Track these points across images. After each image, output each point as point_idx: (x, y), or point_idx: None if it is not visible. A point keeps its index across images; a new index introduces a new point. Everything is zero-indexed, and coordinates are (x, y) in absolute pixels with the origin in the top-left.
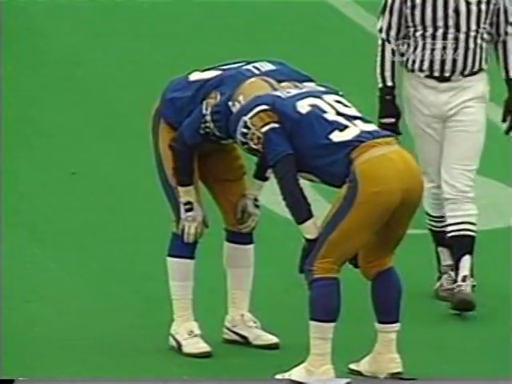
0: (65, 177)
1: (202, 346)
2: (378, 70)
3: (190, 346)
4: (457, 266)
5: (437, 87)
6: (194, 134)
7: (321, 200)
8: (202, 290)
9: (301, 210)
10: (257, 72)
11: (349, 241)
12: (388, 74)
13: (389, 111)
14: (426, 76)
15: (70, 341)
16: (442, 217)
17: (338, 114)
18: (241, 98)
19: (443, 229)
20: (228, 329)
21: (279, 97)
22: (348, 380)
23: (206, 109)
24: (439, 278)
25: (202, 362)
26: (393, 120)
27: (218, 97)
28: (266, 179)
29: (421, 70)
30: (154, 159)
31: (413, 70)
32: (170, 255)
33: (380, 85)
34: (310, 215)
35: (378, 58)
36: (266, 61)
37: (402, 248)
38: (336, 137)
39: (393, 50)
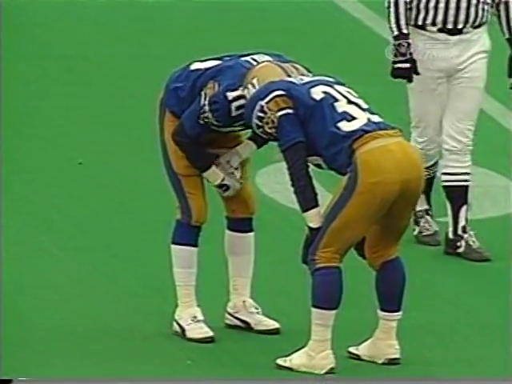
0: (71, 166)
1: (205, 331)
2: (393, 20)
3: (193, 331)
4: (456, 216)
5: (448, 41)
6: (194, 125)
7: (321, 189)
8: (205, 276)
9: (307, 198)
10: (255, 63)
11: (349, 230)
12: (403, 22)
13: (406, 56)
14: (439, 30)
15: (76, 326)
16: (427, 168)
17: (350, 102)
18: (254, 80)
19: (427, 176)
20: (230, 314)
21: (293, 83)
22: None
23: (205, 99)
24: (416, 223)
25: (205, 347)
26: (408, 65)
27: (216, 87)
28: (259, 146)
29: (434, 23)
30: (159, 147)
31: (424, 26)
32: (173, 243)
33: (396, 33)
34: (315, 204)
35: (392, 9)
36: (263, 53)
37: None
38: (344, 126)
39: (405, 2)
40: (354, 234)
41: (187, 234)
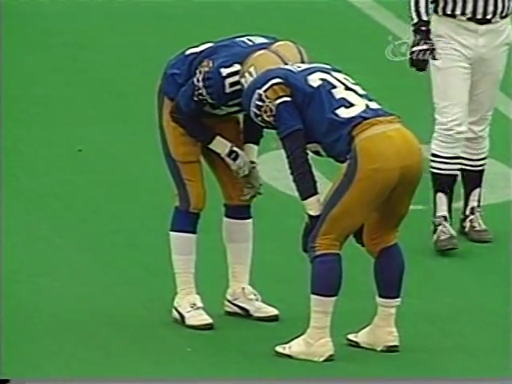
0: (71, 154)
1: (204, 319)
2: (413, 7)
3: (192, 319)
4: (467, 197)
5: (477, 30)
6: (189, 102)
7: (320, 176)
8: (204, 263)
9: (306, 186)
10: (250, 43)
11: (349, 217)
12: (423, 10)
13: (424, 38)
14: (468, 19)
15: (76, 313)
16: (452, 158)
17: (347, 89)
18: (252, 69)
19: (449, 172)
20: (229, 301)
21: (291, 70)
22: None
23: (199, 77)
24: (434, 231)
25: (204, 334)
26: (426, 46)
27: (211, 64)
28: (257, 143)
29: (463, 13)
30: (158, 135)
31: (453, 15)
32: (172, 230)
33: (415, 20)
34: (314, 192)
35: None
36: (259, 35)
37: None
38: (342, 113)
39: None
40: (353, 221)
41: (186, 221)
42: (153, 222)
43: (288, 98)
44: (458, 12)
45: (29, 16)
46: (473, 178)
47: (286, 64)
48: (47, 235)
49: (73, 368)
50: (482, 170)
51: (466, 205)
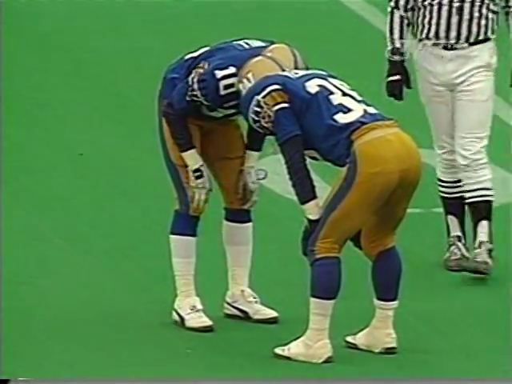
0: (72, 157)
1: (204, 321)
2: (387, 34)
3: (192, 321)
4: (474, 231)
5: (444, 56)
6: (181, 99)
7: (319, 180)
8: (204, 266)
9: (305, 190)
10: (247, 47)
11: (349, 220)
12: (396, 36)
13: (396, 70)
14: (433, 44)
15: (76, 315)
16: (454, 182)
17: (345, 94)
18: (250, 75)
19: (454, 195)
20: (229, 304)
21: (289, 77)
22: None
23: (194, 77)
24: (448, 249)
25: (204, 336)
26: (398, 77)
27: (206, 66)
28: (259, 150)
29: (427, 37)
30: (158, 139)
31: (421, 39)
32: (172, 233)
33: (389, 47)
34: (313, 196)
35: (387, 24)
36: (256, 39)
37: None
38: (340, 118)
39: (401, 16)
40: (353, 225)
41: (185, 224)
42: (153, 225)
43: (286, 105)
44: (423, 37)
45: (29, 17)
46: (476, 211)
47: (284, 70)
48: (47, 237)
49: (73, 368)
50: (485, 202)
51: (474, 237)
